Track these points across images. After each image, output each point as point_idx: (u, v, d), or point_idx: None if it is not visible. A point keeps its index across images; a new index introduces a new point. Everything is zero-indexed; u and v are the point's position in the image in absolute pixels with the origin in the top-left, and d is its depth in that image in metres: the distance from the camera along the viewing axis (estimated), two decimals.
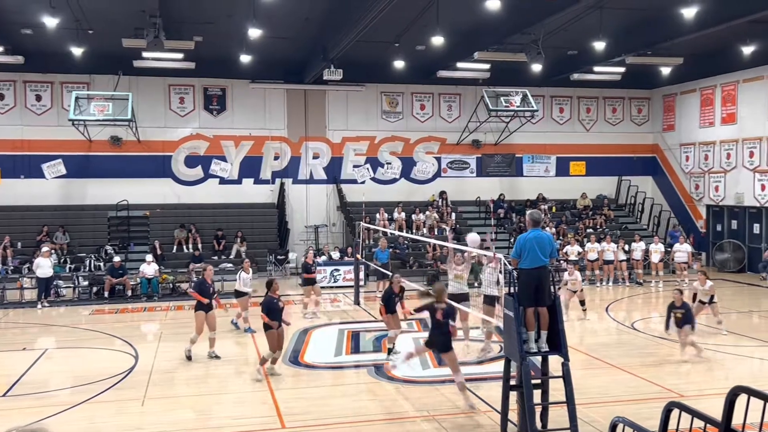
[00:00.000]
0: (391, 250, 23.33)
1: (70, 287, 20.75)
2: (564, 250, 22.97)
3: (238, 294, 15.76)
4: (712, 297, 14.72)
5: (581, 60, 24.46)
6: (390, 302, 13.09)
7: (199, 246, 23.89)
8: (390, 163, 27.76)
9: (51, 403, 10.30)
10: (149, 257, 21.20)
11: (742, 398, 3.92)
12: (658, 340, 14.38)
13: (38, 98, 24.96)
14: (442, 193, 27.69)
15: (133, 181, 25.28)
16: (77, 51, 21.25)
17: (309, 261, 18.15)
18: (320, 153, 27.33)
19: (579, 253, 22.95)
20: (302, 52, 23.99)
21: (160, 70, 23.74)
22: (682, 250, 23.07)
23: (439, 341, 9.87)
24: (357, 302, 19.32)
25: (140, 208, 25.12)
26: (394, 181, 27.84)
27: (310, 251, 19.51)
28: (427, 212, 26.08)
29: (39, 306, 18.95)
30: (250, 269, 16.23)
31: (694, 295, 14.95)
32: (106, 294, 20.25)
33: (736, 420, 3.94)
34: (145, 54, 21.28)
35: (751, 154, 24.96)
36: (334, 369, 12.58)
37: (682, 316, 12.82)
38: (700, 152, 27.37)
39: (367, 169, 27.32)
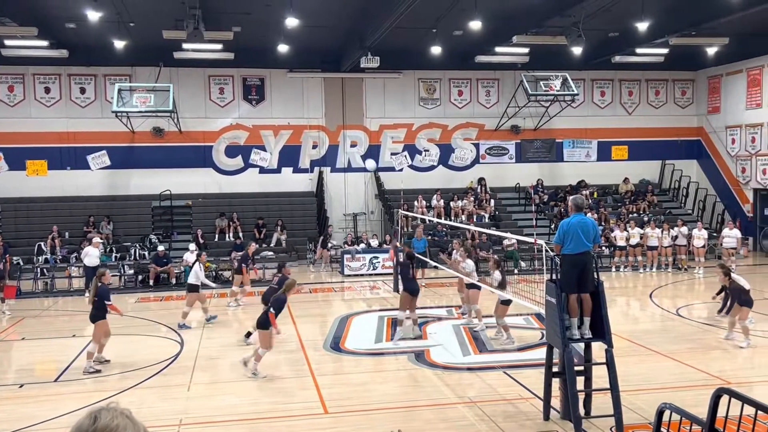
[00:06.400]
0: (429, 237, 23.30)
1: (116, 276, 21.14)
2: (613, 235, 22.68)
3: (192, 288, 15.28)
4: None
5: (623, 42, 24.00)
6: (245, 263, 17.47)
7: (240, 234, 24.17)
8: (428, 150, 27.66)
9: (100, 388, 10.58)
10: (192, 246, 21.52)
11: None
12: (704, 326, 14.12)
13: (82, 91, 25.47)
14: (481, 180, 27.52)
15: (176, 171, 25.68)
16: (119, 44, 21.63)
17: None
18: (358, 141, 27.37)
19: (627, 239, 22.55)
20: (339, 40, 24.01)
21: (199, 61, 24.03)
22: (731, 235, 22.13)
23: (260, 319, 11.39)
24: (396, 289, 19.35)
25: (183, 198, 25.53)
26: (432, 168, 27.75)
27: None
28: (465, 200, 25.94)
29: (86, 294, 19.37)
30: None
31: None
32: (151, 282, 20.68)
33: None
34: (185, 45, 21.58)
35: None
36: (374, 355, 12.64)
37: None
38: (747, 134, 26.66)
39: (405, 156, 27.28)
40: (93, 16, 18.71)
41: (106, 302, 11.79)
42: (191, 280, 15.44)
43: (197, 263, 15.91)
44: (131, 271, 21.39)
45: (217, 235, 24.57)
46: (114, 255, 22.84)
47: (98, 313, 11.76)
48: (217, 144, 26.39)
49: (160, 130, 25.60)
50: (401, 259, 15.07)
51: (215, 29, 20.11)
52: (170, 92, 23.66)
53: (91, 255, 19.50)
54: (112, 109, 23.43)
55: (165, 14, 19.65)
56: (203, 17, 19.01)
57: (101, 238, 21.68)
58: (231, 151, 26.50)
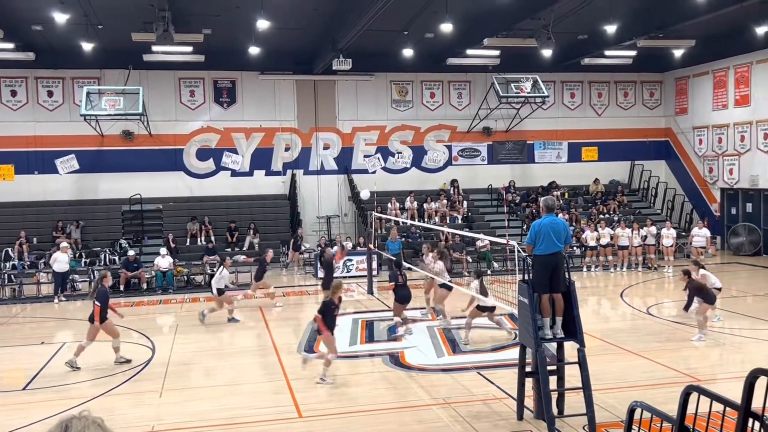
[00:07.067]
0: (403, 239, 23.34)
1: (85, 281, 20.88)
2: (584, 235, 22.90)
3: (221, 291, 15.74)
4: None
5: (592, 44, 24.28)
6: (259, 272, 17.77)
7: (212, 238, 23.98)
8: (401, 153, 27.71)
9: (70, 396, 10.42)
10: (163, 250, 21.31)
11: (761, 381, 3.90)
12: (674, 324, 14.33)
13: (50, 94, 25.09)
14: (454, 182, 27.63)
15: (146, 174, 25.38)
16: (87, 46, 21.30)
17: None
18: (331, 143, 27.32)
19: (597, 239, 22.76)
20: (311, 42, 23.94)
21: (169, 63, 23.79)
22: (701, 234, 22.39)
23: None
24: (370, 291, 19.37)
25: (153, 202, 25.24)
26: (405, 170, 27.80)
27: None
28: (438, 201, 26.02)
29: (56, 300, 19.12)
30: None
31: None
32: (121, 287, 20.39)
33: (756, 403, 3.92)
34: (154, 48, 21.35)
35: (765, 136, 24.70)
36: (349, 358, 12.61)
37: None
38: (714, 135, 27.14)
39: (378, 158, 27.29)
40: (60, 18, 18.42)
41: (96, 303, 11.88)
42: (217, 284, 15.65)
43: (222, 267, 16.12)
44: None
45: (188, 240, 24.32)
46: (83, 260, 22.50)
47: (101, 314, 11.96)
48: (188, 147, 26.15)
49: (129, 133, 25.29)
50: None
51: (185, 31, 19.91)
52: (140, 95, 23.38)
53: (60, 260, 19.24)
54: (80, 112, 23.07)
55: (134, 16, 19.41)
56: (173, 19, 18.80)
57: (69, 243, 21.36)
58: (202, 154, 26.28)
